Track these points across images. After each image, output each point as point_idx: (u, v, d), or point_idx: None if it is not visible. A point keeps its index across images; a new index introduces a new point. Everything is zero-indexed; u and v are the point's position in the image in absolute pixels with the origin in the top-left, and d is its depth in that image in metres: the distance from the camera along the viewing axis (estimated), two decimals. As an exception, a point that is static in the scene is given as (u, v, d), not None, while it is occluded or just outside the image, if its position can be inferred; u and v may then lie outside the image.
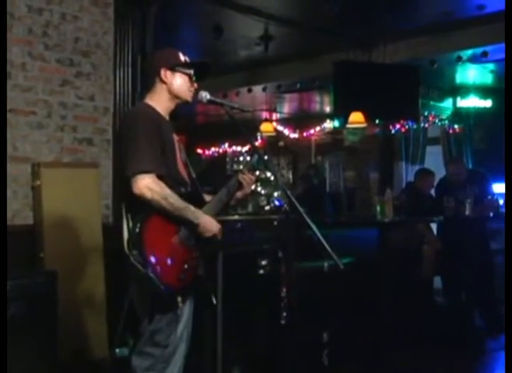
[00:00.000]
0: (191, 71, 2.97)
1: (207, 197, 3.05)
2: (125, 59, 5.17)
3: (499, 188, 7.21)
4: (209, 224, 2.83)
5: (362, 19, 6.69)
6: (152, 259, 2.63)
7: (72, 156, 4.90)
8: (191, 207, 2.77)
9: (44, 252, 4.45)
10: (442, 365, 4.99)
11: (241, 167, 3.13)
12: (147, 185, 2.65)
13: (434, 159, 9.77)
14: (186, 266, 2.75)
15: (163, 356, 2.80)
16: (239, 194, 3.11)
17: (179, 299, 2.74)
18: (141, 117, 2.83)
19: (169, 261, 2.69)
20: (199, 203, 2.89)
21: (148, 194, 2.65)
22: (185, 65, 2.96)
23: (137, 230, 2.66)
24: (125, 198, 2.79)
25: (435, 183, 6.83)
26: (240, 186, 3.08)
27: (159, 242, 2.70)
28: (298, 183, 11.32)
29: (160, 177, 2.71)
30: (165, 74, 2.91)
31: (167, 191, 2.69)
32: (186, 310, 2.86)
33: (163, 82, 2.92)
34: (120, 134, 2.93)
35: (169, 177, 2.78)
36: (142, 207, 2.68)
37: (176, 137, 2.95)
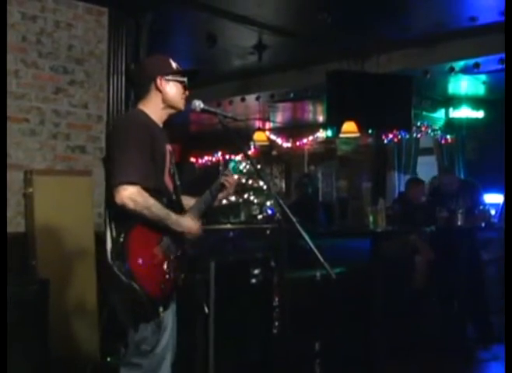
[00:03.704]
0: (185, 79, 2.97)
1: (191, 201, 3.06)
2: (119, 67, 5.18)
3: (490, 198, 7.24)
4: (191, 225, 2.85)
5: (356, 30, 6.72)
6: (136, 270, 2.64)
7: (65, 164, 4.89)
8: (173, 215, 2.77)
9: (36, 260, 4.43)
10: (434, 375, 4.99)
11: (235, 176, 3.12)
12: (129, 196, 2.62)
13: (427, 169, 9.80)
14: (167, 276, 2.76)
15: (150, 365, 2.79)
16: (221, 195, 3.10)
17: (160, 309, 2.73)
18: (133, 125, 2.80)
19: (151, 271, 2.70)
20: (180, 213, 2.90)
21: (130, 205, 2.63)
22: (180, 73, 2.95)
23: (121, 240, 2.66)
24: (110, 206, 2.77)
25: (425, 192, 6.85)
26: (222, 187, 3.07)
27: (143, 252, 2.70)
28: (292, 192, 11.33)
29: (147, 188, 2.70)
30: (160, 82, 2.90)
31: (151, 201, 2.68)
32: (170, 319, 2.85)
33: (159, 91, 2.90)
34: (109, 140, 2.91)
35: (153, 187, 2.76)
36: (127, 217, 2.67)
37: (168, 147, 2.94)
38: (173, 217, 2.77)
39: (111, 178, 2.69)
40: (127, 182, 2.64)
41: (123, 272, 2.62)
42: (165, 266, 2.76)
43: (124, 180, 2.64)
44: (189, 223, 2.84)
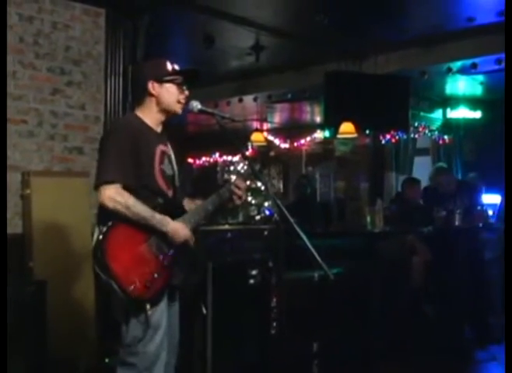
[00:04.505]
0: (180, 80, 2.95)
1: (191, 204, 3.05)
2: (116, 68, 5.18)
3: (488, 199, 7.25)
4: (178, 230, 2.82)
5: (353, 31, 6.72)
6: (114, 267, 2.65)
7: (63, 165, 4.89)
8: (157, 216, 2.77)
9: (34, 261, 4.43)
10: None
11: (232, 177, 3.11)
12: (109, 195, 2.69)
13: (424, 170, 9.80)
14: (156, 275, 2.75)
15: (143, 365, 2.79)
16: (229, 205, 3.13)
17: (147, 307, 2.73)
18: (116, 129, 2.90)
19: (133, 269, 2.70)
20: (179, 213, 2.90)
21: (110, 204, 2.68)
22: (172, 74, 2.94)
23: (100, 237, 2.70)
24: (98, 206, 2.81)
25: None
26: (230, 197, 3.07)
27: (124, 250, 2.71)
28: (290, 193, 11.33)
29: (132, 188, 2.73)
30: (152, 86, 2.90)
31: (131, 201, 2.70)
32: (163, 318, 2.84)
33: (151, 95, 2.91)
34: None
35: (144, 188, 2.79)
36: (110, 216, 2.71)
37: (163, 148, 2.94)
38: (157, 217, 2.77)
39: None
40: (106, 182, 2.71)
41: (103, 269, 2.65)
42: (153, 265, 2.76)
43: (103, 180, 2.73)
44: (175, 225, 2.83)
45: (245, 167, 3.12)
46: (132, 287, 2.67)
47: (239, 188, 3.03)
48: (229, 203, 3.09)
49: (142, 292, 2.71)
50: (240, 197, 3.05)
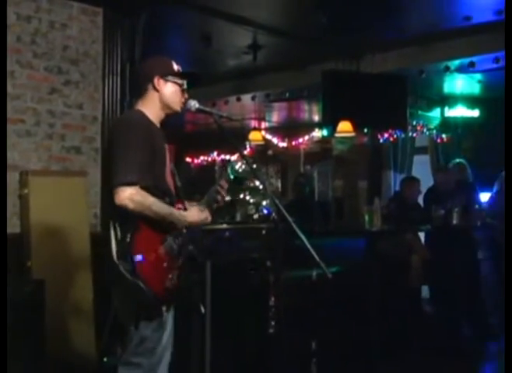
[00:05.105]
0: (183, 82, 2.98)
1: (188, 206, 3.07)
2: (114, 68, 5.18)
3: (486, 197, 7.25)
4: (197, 215, 2.91)
5: (351, 29, 6.72)
6: (142, 269, 2.65)
7: (60, 164, 4.89)
8: (175, 211, 2.81)
9: (32, 260, 4.43)
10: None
11: (231, 176, 3.13)
12: (129, 196, 2.64)
13: (422, 168, 9.81)
14: (170, 275, 2.77)
15: (149, 365, 2.81)
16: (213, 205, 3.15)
17: (164, 308, 2.75)
18: (132, 125, 2.82)
19: (156, 271, 2.71)
20: None
21: (130, 205, 2.65)
22: (178, 75, 2.96)
23: (127, 240, 2.67)
24: (112, 207, 2.77)
25: (421, 190, 6.87)
26: (216, 198, 3.09)
27: (148, 252, 2.71)
28: (288, 192, 11.33)
29: (146, 187, 2.72)
30: (158, 82, 2.91)
31: (150, 200, 2.69)
32: (169, 319, 2.89)
33: (156, 90, 2.92)
34: (109, 141, 2.91)
35: (155, 187, 2.78)
36: (131, 217, 2.68)
37: (166, 146, 2.96)
38: (175, 213, 2.80)
39: (111, 179, 2.70)
40: (125, 183, 2.65)
41: (129, 271, 2.63)
42: (168, 266, 2.77)
43: (122, 181, 2.66)
44: (193, 213, 2.90)
45: (243, 166, 3.14)
46: (156, 288, 2.69)
47: (222, 188, 3.06)
48: (213, 204, 3.11)
49: (162, 294, 2.73)
50: (222, 197, 3.08)
